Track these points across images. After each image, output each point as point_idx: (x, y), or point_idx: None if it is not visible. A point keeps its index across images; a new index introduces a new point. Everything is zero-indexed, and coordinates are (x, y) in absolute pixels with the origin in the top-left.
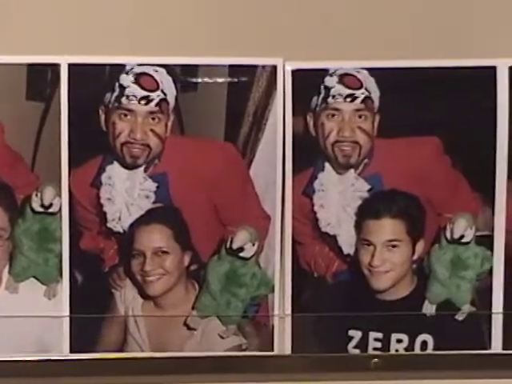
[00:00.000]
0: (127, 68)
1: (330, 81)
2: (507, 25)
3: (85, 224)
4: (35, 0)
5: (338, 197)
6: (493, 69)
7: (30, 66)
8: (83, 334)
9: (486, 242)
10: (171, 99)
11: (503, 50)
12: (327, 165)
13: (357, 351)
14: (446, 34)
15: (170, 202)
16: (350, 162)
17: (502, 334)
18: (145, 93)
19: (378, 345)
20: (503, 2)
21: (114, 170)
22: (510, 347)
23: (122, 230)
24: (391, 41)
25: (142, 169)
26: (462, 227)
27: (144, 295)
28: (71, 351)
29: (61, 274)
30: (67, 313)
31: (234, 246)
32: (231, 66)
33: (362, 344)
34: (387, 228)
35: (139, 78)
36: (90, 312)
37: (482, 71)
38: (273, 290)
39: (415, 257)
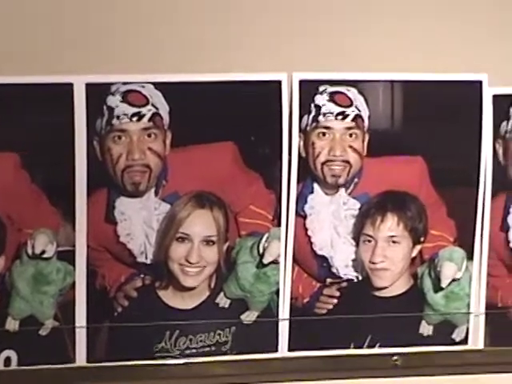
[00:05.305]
0: None
1: None
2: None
3: None
4: None
5: None
6: (70, 85)
7: None
8: None
9: (68, 257)
10: None
11: (80, 66)
12: None
13: None
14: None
15: None
16: None
17: (86, 347)
18: None
19: None
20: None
21: None
22: (94, 360)
23: None
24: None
25: None
26: (43, 243)
27: None
28: None
29: None
30: None
31: None
32: None
33: None
34: None
35: None
36: None
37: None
38: None
39: None
